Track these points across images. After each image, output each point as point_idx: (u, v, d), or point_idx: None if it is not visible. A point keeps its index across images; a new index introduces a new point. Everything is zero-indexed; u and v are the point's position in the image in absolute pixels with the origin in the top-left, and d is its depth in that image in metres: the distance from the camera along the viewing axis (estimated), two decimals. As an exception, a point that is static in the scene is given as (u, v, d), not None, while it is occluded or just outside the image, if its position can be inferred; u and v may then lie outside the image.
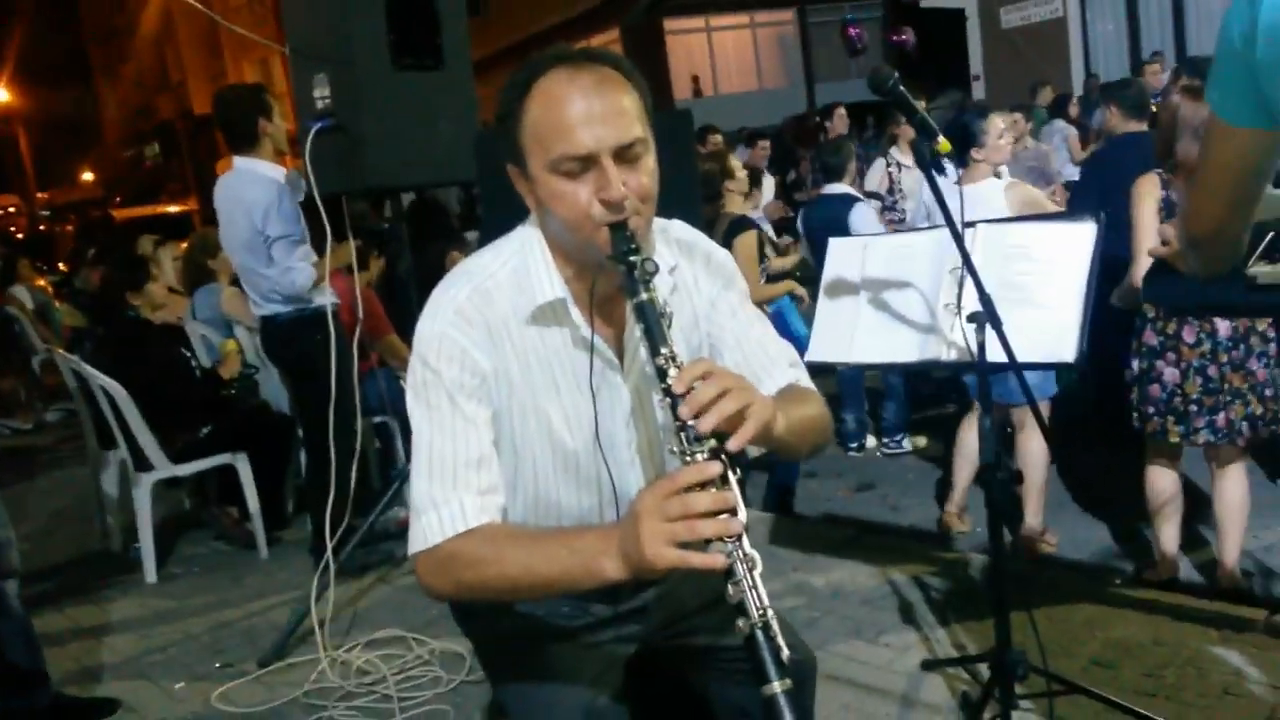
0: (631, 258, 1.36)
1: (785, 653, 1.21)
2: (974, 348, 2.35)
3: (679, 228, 1.66)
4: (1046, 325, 2.42)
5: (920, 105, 2.18)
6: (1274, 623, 3.08)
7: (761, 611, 1.21)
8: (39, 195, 41.28)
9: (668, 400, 1.29)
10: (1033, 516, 4.02)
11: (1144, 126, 5.05)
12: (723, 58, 22.22)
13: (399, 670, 3.43)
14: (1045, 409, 3.98)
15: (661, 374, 1.30)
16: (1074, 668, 2.96)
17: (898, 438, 5.55)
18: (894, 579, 3.74)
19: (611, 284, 1.46)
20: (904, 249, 2.73)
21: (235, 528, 4.94)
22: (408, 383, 1.54)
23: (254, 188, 4.06)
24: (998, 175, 4.17)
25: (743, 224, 4.72)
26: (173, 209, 23.23)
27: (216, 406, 4.87)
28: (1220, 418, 3.27)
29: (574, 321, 1.50)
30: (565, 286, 1.51)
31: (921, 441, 5.63)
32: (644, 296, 1.35)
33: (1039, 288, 2.46)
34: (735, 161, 5.10)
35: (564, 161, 1.38)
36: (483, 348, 1.48)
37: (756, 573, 1.23)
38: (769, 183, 7.75)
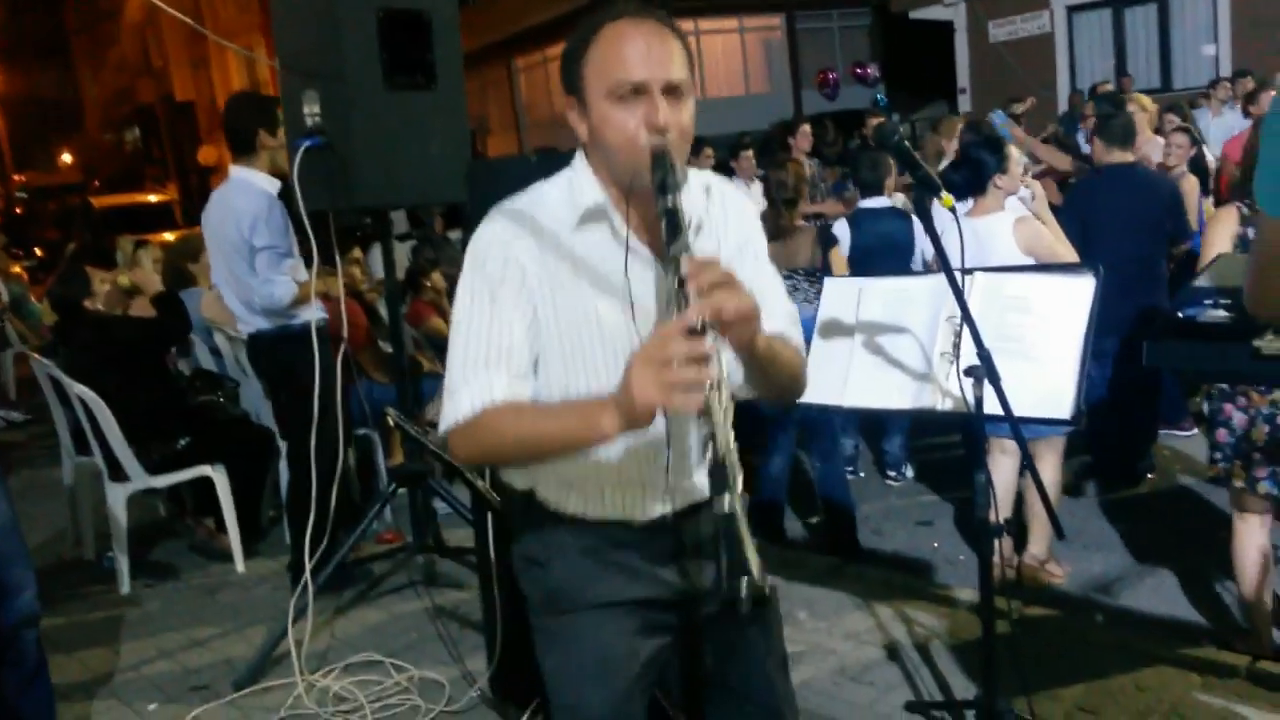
0: (666, 171, 1.53)
1: (740, 481, 1.39)
2: (970, 400, 2.33)
3: (713, 176, 1.81)
4: (1043, 380, 2.40)
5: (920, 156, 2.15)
6: (1257, 670, 3.08)
7: (727, 446, 1.39)
8: (15, 177, 40.75)
9: (677, 282, 1.44)
10: (1037, 544, 4.00)
11: (1129, 157, 5.05)
12: (711, 62, 22.13)
13: (376, 698, 3.39)
14: (1060, 444, 3.95)
15: (675, 260, 1.46)
16: (1058, 712, 2.96)
17: (903, 469, 5.51)
18: (879, 612, 3.73)
19: (651, 208, 1.58)
20: (900, 293, 2.71)
21: (211, 539, 4.88)
22: (460, 279, 1.69)
23: (245, 197, 4.05)
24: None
25: (834, 236, 4.69)
26: (153, 198, 22.89)
27: (195, 417, 4.80)
28: None
29: (615, 226, 1.66)
30: (608, 200, 1.68)
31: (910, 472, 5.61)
32: (670, 201, 1.51)
33: (1036, 341, 2.44)
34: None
35: (620, 87, 1.58)
36: (528, 249, 1.63)
37: (728, 416, 1.41)
38: (755, 190, 7.67)
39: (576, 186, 1.67)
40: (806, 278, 4.53)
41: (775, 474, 4.64)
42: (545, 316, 1.64)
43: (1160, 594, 3.96)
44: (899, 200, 5.27)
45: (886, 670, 3.34)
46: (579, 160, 1.70)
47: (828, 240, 4.63)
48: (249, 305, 4.14)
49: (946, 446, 5.69)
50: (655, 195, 1.52)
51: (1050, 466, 3.87)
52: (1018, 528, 4.02)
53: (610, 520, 1.72)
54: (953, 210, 2.14)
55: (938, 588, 4.04)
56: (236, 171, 4.13)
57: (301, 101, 3.54)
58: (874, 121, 8.47)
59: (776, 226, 4.63)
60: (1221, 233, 3.25)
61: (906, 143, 2.05)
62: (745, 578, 1.34)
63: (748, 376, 1.67)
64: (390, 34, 3.50)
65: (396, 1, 3.53)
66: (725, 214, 1.77)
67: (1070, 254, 3.76)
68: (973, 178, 3.79)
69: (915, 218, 5.06)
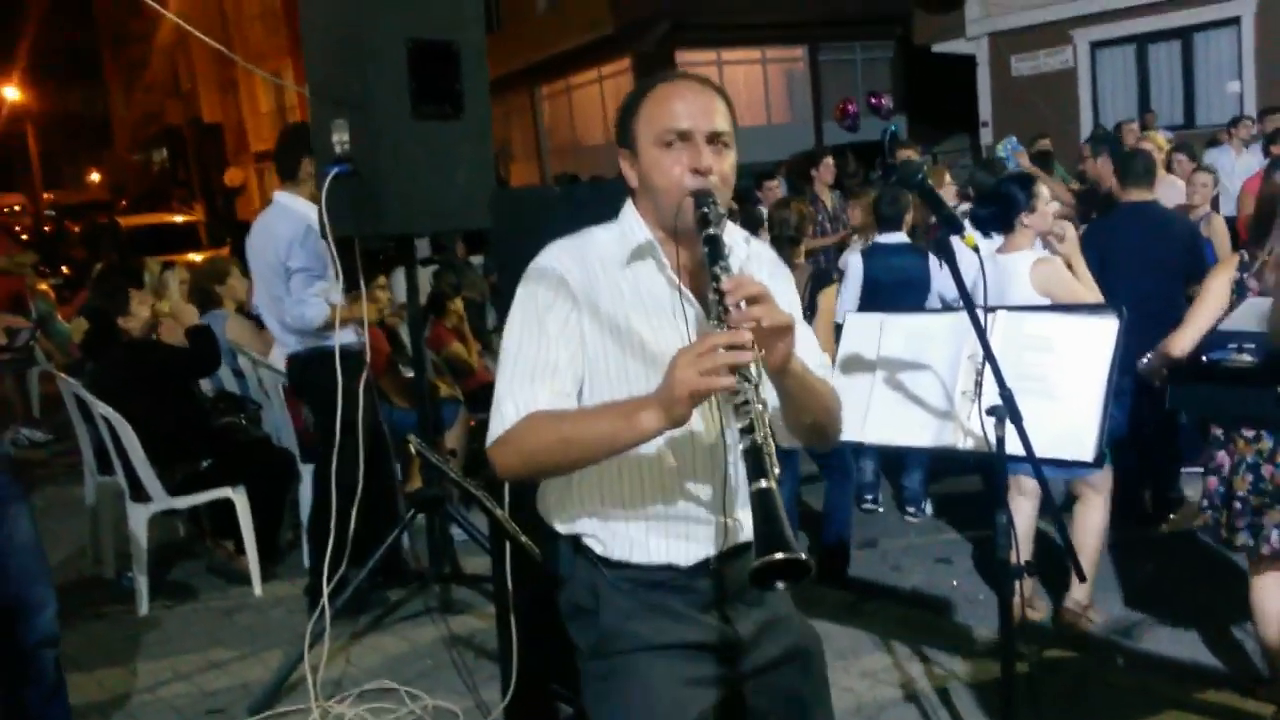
0: (708, 206, 1.65)
1: (776, 470, 1.44)
2: (992, 440, 2.32)
3: (737, 228, 1.88)
4: (1064, 421, 2.39)
5: (944, 188, 2.16)
6: (1280, 720, 3.04)
7: (764, 434, 1.46)
8: (45, 195, 41.26)
9: (716, 297, 1.53)
10: (1080, 590, 3.89)
11: (1149, 196, 5.03)
12: (733, 91, 21.98)
13: (391, 727, 3.39)
14: (1107, 484, 3.85)
15: (715, 278, 1.55)
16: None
17: (922, 505, 5.46)
18: (897, 651, 3.70)
19: (695, 251, 1.68)
20: (922, 330, 2.71)
21: (230, 561, 4.89)
22: (512, 306, 1.79)
23: (285, 222, 4.18)
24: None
25: (828, 277, 4.67)
26: (179, 219, 23.16)
27: (217, 439, 4.83)
28: (1264, 520, 3.03)
29: (662, 262, 1.76)
30: (655, 240, 1.78)
31: (929, 509, 5.56)
32: (712, 230, 1.62)
33: (1057, 381, 2.44)
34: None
35: (667, 134, 1.71)
36: (577, 280, 1.73)
37: (765, 410, 1.47)
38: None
39: (627, 229, 1.79)
40: None
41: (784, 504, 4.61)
42: (593, 345, 1.73)
43: (1181, 637, 3.91)
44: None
45: (904, 711, 3.31)
46: (628, 209, 1.82)
47: (820, 281, 4.61)
48: (285, 326, 4.25)
49: (966, 483, 5.66)
50: (697, 228, 1.63)
51: (1096, 508, 3.76)
52: (1038, 570, 3.97)
53: (656, 565, 1.76)
54: (976, 250, 2.15)
55: (956, 627, 4.01)
56: (280, 197, 4.29)
57: (330, 129, 3.58)
58: (903, 154, 8.39)
59: None
60: (1222, 279, 3.23)
61: (930, 181, 2.05)
62: (780, 553, 1.36)
63: (784, 408, 1.72)
64: (419, 64, 3.55)
65: (426, 32, 3.58)
66: (760, 268, 1.86)
67: (1096, 299, 3.68)
68: (1001, 214, 3.77)
69: (934, 255, 5.05)
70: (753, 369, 1.48)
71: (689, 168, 1.69)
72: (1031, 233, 3.83)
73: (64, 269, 20.33)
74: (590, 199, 2.57)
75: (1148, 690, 3.34)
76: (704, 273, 1.64)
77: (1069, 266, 3.81)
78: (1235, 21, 14.69)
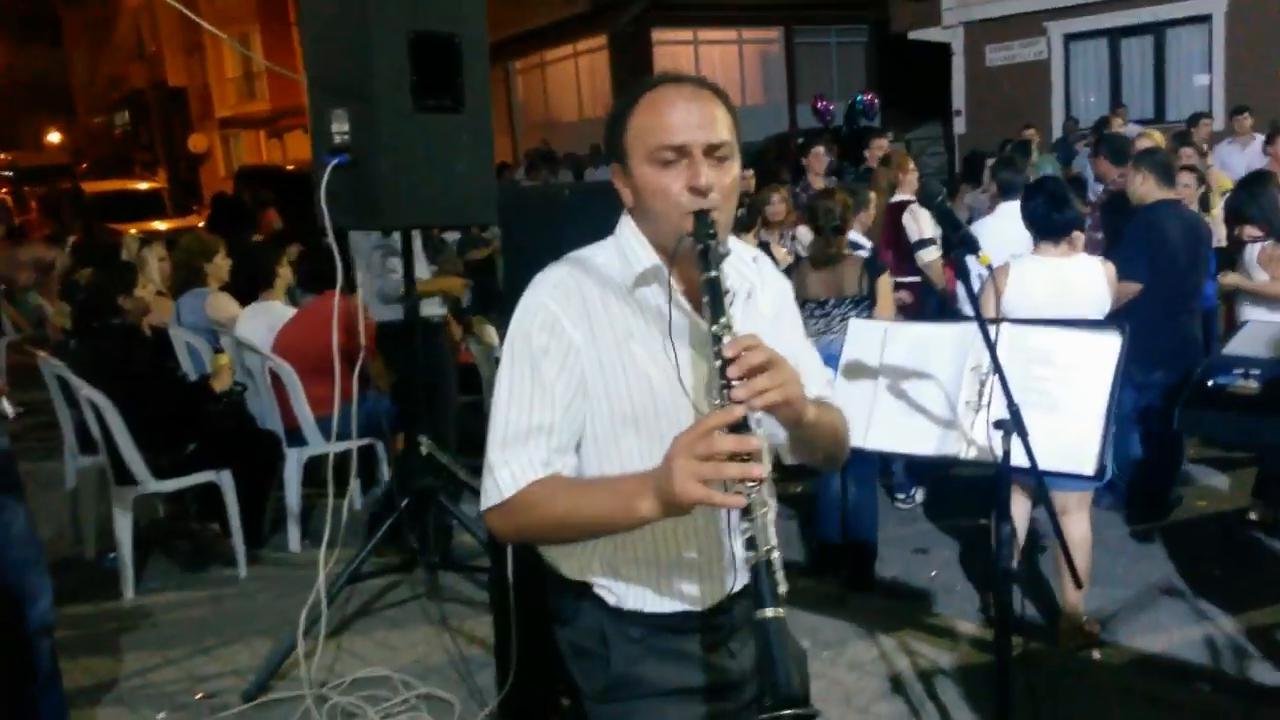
0: (709, 240, 1.53)
1: (783, 588, 1.35)
2: (998, 452, 2.38)
3: (743, 244, 1.82)
4: (1066, 434, 2.46)
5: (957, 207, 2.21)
6: (1254, 714, 3.15)
7: (768, 548, 1.36)
8: (1, 156, 40.33)
9: (719, 361, 1.43)
10: (1073, 600, 3.82)
11: (1173, 194, 5.07)
12: (709, 72, 22.19)
13: (385, 715, 3.42)
14: (1089, 499, 3.79)
15: (716, 338, 1.45)
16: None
17: (911, 492, 5.51)
18: (882, 643, 3.78)
19: (697, 273, 1.57)
20: (925, 339, 2.77)
21: (216, 542, 4.88)
22: (504, 347, 1.70)
23: None
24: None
25: (883, 265, 4.67)
26: (143, 186, 22.77)
27: (203, 423, 4.80)
28: None
29: (669, 287, 1.64)
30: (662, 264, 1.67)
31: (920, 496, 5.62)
32: (713, 273, 1.51)
33: (1059, 394, 2.51)
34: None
35: (661, 150, 1.58)
36: (575, 319, 1.63)
37: (770, 515, 1.38)
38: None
39: (628, 251, 1.68)
40: (855, 306, 4.51)
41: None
42: (594, 385, 1.64)
43: (1160, 632, 4.00)
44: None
45: (893, 703, 3.39)
46: (626, 226, 1.71)
47: (874, 268, 4.62)
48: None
49: (941, 473, 5.74)
50: (697, 262, 1.53)
51: (1079, 521, 3.77)
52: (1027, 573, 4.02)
53: (671, 613, 1.72)
54: (989, 268, 2.20)
55: (937, 618, 4.09)
56: None
57: (330, 120, 3.56)
58: (877, 142, 8.38)
59: (825, 254, 4.62)
60: None
61: (950, 204, 2.10)
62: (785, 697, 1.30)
63: (792, 444, 1.70)
64: (420, 56, 3.53)
65: (427, 24, 3.57)
66: (764, 282, 1.79)
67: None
68: (1075, 218, 3.77)
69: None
70: (761, 467, 1.36)
71: (687, 185, 1.58)
72: (1082, 237, 3.82)
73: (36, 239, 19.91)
74: (599, 198, 2.57)
75: (1125, 686, 3.45)
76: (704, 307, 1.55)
77: None
78: (1206, 19, 14.92)
